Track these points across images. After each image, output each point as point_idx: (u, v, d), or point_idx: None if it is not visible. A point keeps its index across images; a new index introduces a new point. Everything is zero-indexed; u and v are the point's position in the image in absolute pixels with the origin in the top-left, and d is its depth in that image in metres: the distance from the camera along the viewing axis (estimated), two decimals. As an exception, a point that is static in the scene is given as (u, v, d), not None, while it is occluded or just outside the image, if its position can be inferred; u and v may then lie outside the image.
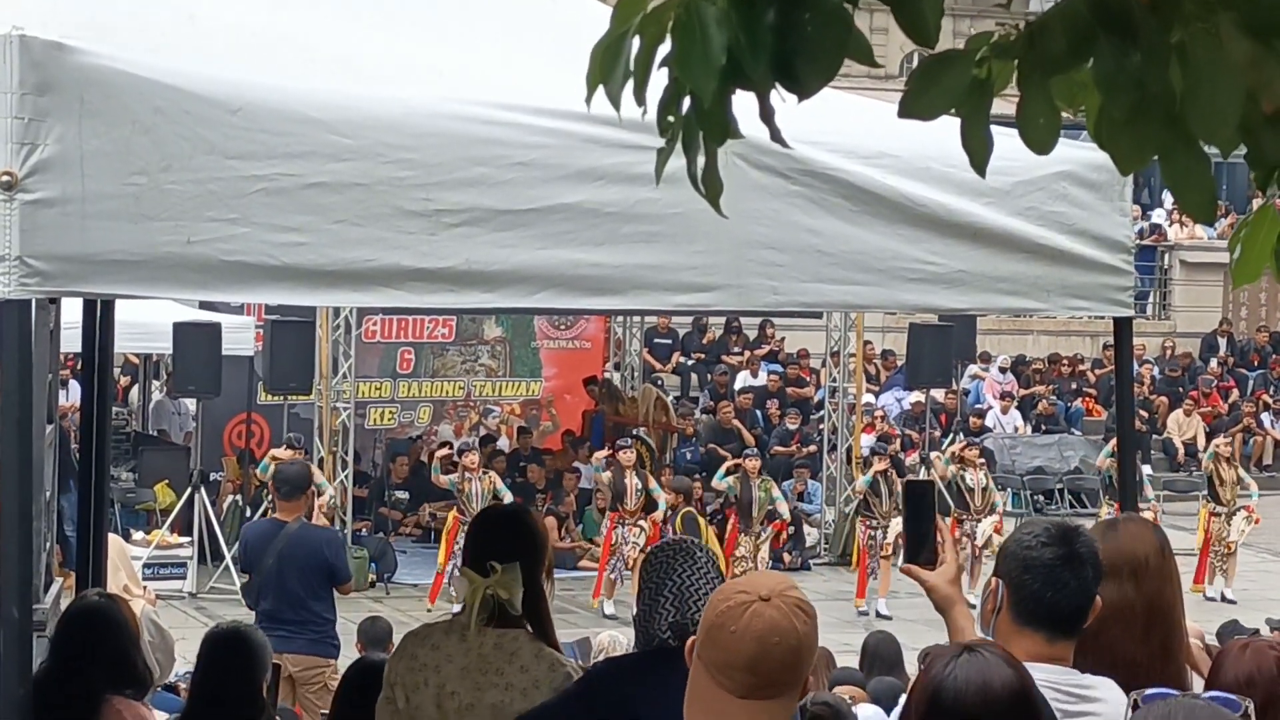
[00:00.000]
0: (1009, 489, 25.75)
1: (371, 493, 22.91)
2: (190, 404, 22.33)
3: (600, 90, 2.51)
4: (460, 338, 24.14)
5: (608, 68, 2.48)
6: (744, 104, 2.48)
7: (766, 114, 2.45)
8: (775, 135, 2.50)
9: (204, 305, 17.99)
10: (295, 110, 3.89)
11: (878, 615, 18.92)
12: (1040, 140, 2.52)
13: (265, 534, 11.37)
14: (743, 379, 27.86)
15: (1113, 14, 2.37)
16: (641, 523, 19.83)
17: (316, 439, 20.97)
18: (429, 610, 18.02)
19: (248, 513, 19.85)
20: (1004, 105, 2.51)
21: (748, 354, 28.78)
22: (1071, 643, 3.71)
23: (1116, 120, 2.45)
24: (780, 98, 2.45)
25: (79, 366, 10.54)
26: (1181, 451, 29.77)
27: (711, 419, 26.04)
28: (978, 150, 2.55)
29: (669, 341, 28.92)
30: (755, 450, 22.70)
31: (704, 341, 29.22)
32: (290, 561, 11.00)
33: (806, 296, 4.80)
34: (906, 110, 2.53)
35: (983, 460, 21.76)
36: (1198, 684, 4.14)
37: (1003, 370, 30.44)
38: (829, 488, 23.66)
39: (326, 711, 6.55)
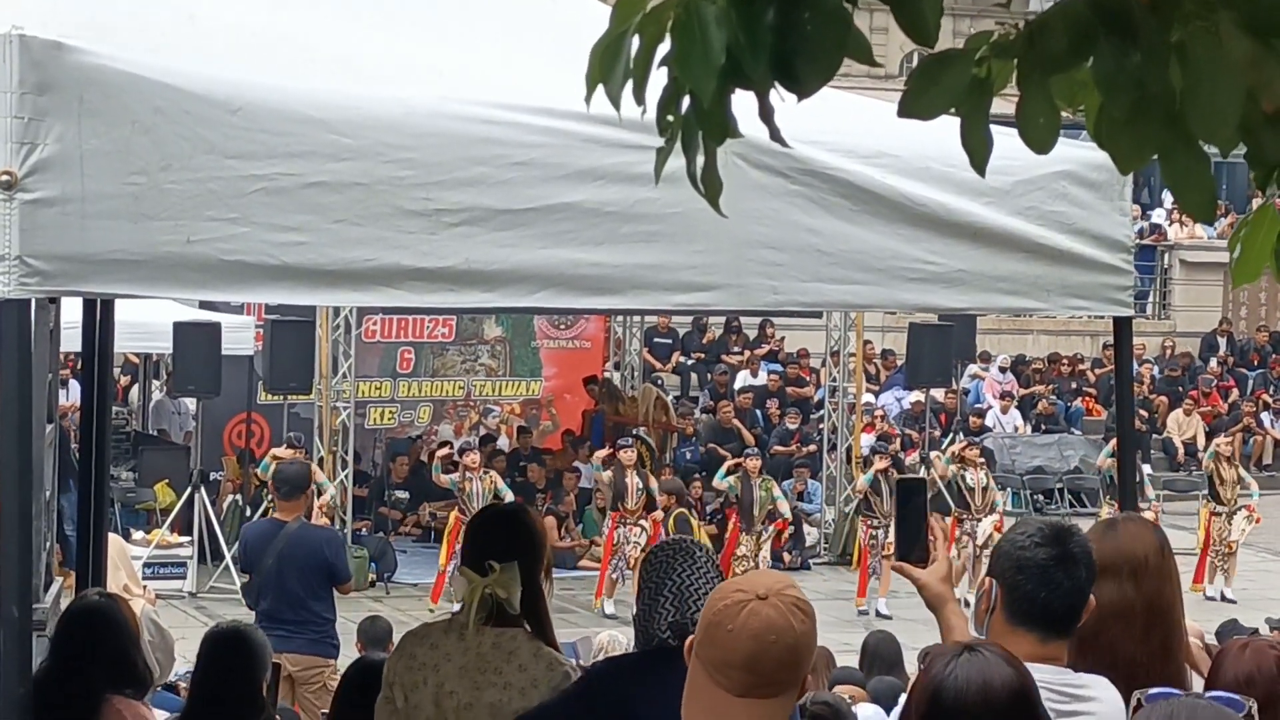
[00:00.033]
0: (1009, 488, 25.76)
1: (371, 492, 22.92)
2: (190, 403, 22.34)
3: (600, 90, 2.51)
4: (460, 337, 24.14)
5: (607, 67, 2.48)
6: (744, 103, 2.48)
7: (766, 113, 2.45)
8: (775, 134, 2.50)
9: (204, 305, 18.00)
10: (295, 110, 3.89)
11: (878, 615, 18.92)
12: (1040, 140, 2.52)
13: (265, 534, 11.37)
14: (743, 378, 27.86)
15: (1113, 13, 2.37)
16: (643, 522, 19.84)
17: (316, 438, 20.97)
18: (431, 610, 18.02)
19: (248, 512, 19.85)
20: (1004, 105, 2.51)
21: (748, 353, 28.78)
22: (1065, 642, 3.71)
23: (1116, 119, 2.45)
24: (780, 97, 2.45)
25: (79, 366, 10.54)
26: (1181, 451, 29.78)
27: (711, 418, 26.04)
28: (977, 149, 2.55)
29: (669, 341, 28.92)
30: (756, 450, 22.71)
31: (704, 341, 29.22)
32: (290, 561, 11.00)
33: (806, 296, 4.80)
34: (906, 110, 2.53)
35: (983, 460, 21.77)
36: (1197, 683, 4.14)
37: (1003, 370, 30.44)
38: (829, 487, 23.66)
39: (326, 711, 6.55)
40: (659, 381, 26.58)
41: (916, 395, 25.76)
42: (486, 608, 4.61)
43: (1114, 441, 17.76)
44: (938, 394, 25.60)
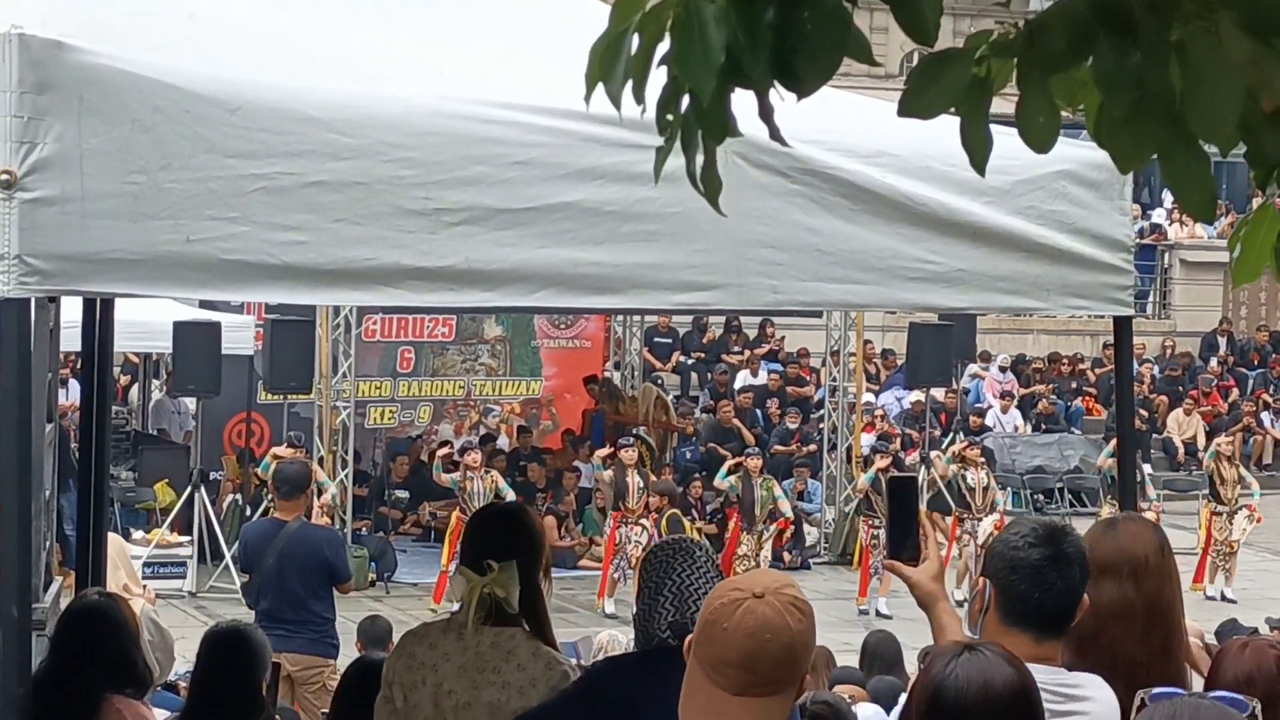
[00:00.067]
0: (1009, 488, 25.75)
1: (371, 492, 22.92)
2: (190, 403, 22.33)
3: (599, 89, 2.50)
4: (460, 337, 24.14)
5: (607, 66, 2.47)
6: (743, 102, 2.47)
7: (765, 112, 2.45)
8: (774, 134, 2.50)
9: (204, 304, 17.99)
10: (295, 109, 3.89)
11: (878, 614, 18.92)
12: (1040, 139, 2.52)
13: (265, 533, 11.37)
14: (743, 378, 27.86)
15: (1112, 12, 2.37)
16: (644, 521, 19.84)
17: (316, 438, 20.97)
18: (433, 610, 18.02)
19: (247, 512, 19.85)
20: (1004, 104, 2.51)
21: (748, 353, 28.78)
22: (1059, 642, 3.72)
23: (1116, 119, 2.45)
24: (779, 96, 2.45)
25: (79, 365, 10.54)
26: (1181, 451, 29.77)
27: (711, 418, 26.04)
28: (977, 149, 2.55)
29: (669, 340, 28.92)
30: (757, 449, 22.72)
31: (704, 341, 29.22)
32: (290, 561, 10.99)
33: (806, 295, 4.80)
34: (906, 109, 2.53)
35: (983, 460, 21.77)
36: (1197, 683, 4.14)
37: (1003, 369, 30.44)
38: (829, 487, 23.66)
39: (326, 711, 6.55)
40: (659, 381, 26.58)
41: (917, 395, 25.75)
42: (485, 607, 4.61)
43: (1115, 441, 17.76)
44: (938, 394, 25.59)
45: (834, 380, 24.01)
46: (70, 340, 6.90)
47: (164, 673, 8.16)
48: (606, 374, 25.66)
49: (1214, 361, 33.40)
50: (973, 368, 29.60)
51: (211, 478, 21.15)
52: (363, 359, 22.58)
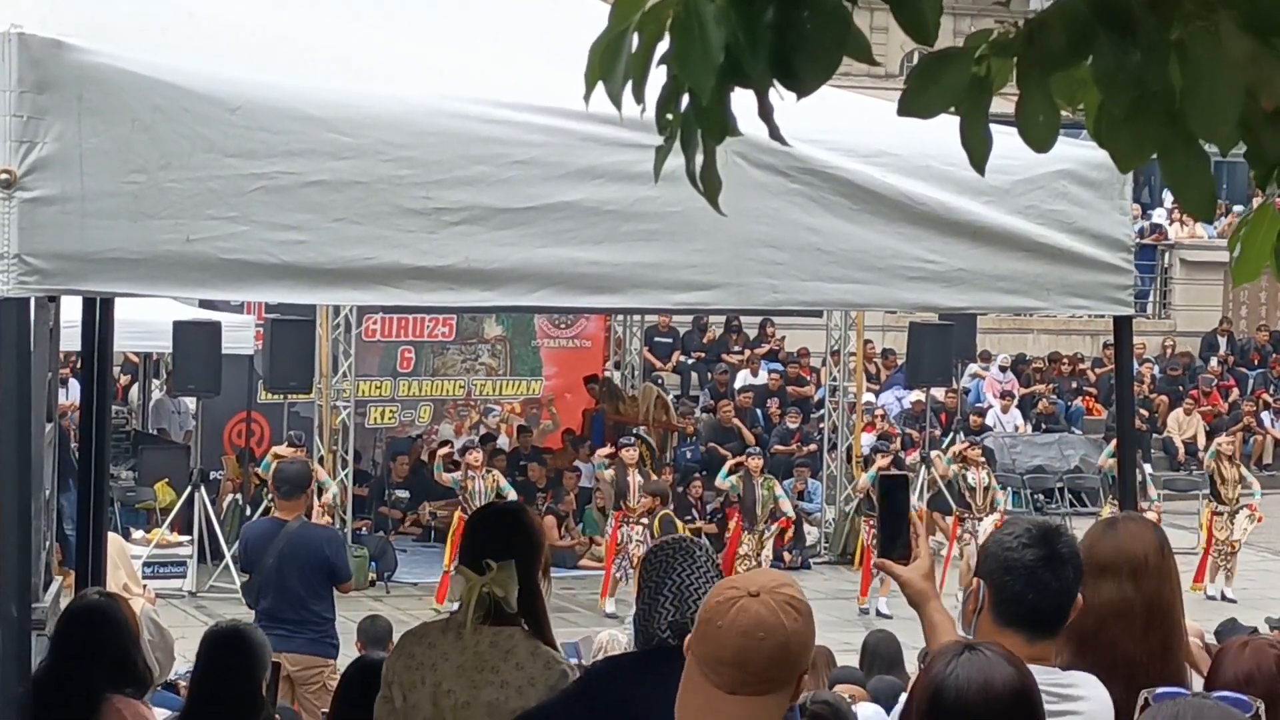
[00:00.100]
0: (1009, 488, 25.73)
1: (372, 491, 22.92)
2: (190, 403, 22.33)
3: (599, 88, 2.50)
4: (460, 336, 24.14)
5: (607, 66, 2.47)
6: (743, 102, 2.47)
7: (765, 112, 2.45)
8: (774, 133, 2.50)
9: (204, 304, 18.00)
10: (295, 108, 3.89)
11: (878, 614, 18.92)
12: (1040, 138, 2.52)
13: (266, 533, 11.37)
14: (743, 378, 27.86)
15: (1112, 11, 2.37)
16: (645, 520, 19.84)
17: (316, 438, 20.97)
18: (436, 610, 18.02)
19: (248, 512, 19.86)
20: (1003, 104, 2.51)
21: (748, 353, 28.78)
22: (1052, 642, 3.72)
23: (1116, 118, 2.45)
24: (779, 95, 2.45)
25: (79, 365, 10.54)
26: (1182, 450, 29.77)
27: (712, 418, 26.04)
28: (977, 148, 2.55)
29: (669, 340, 28.92)
30: (758, 449, 22.73)
31: (704, 340, 29.22)
32: (291, 560, 10.99)
33: (806, 295, 4.80)
34: (906, 108, 2.53)
35: (984, 459, 21.77)
36: (1197, 682, 4.14)
37: (1003, 369, 30.43)
38: (829, 486, 23.66)
39: (326, 711, 6.55)
40: (659, 381, 26.58)
41: (917, 394, 25.75)
42: (484, 606, 4.61)
43: (1115, 441, 17.75)
44: (938, 393, 25.59)
45: (834, 380, 24.02)
46: (70, 340, 6.89)
47: (164, 672, 8.16)
48: (607, 374, 25.66)
49: (1214, 361, 33.40)
50: (973, 367, 29.59)
51: (211, 477, 21.16)
52: (363, 359, 22.58)
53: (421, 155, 4.05)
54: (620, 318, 24.94)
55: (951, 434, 26.12)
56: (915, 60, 2.58)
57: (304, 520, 11.60)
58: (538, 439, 24.53)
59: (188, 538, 19.84)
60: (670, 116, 2.49)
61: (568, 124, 4.21)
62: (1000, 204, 5.06)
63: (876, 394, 28.12)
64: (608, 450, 21.16)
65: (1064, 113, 2.59)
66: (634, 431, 22.11)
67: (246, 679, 5.40)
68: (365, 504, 22.44)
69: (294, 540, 11.06)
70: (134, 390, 25.42)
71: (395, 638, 8.04)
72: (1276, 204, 2.95)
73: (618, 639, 11.73)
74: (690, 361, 28.79)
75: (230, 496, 21.21)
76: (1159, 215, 36.30)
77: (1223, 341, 34.15)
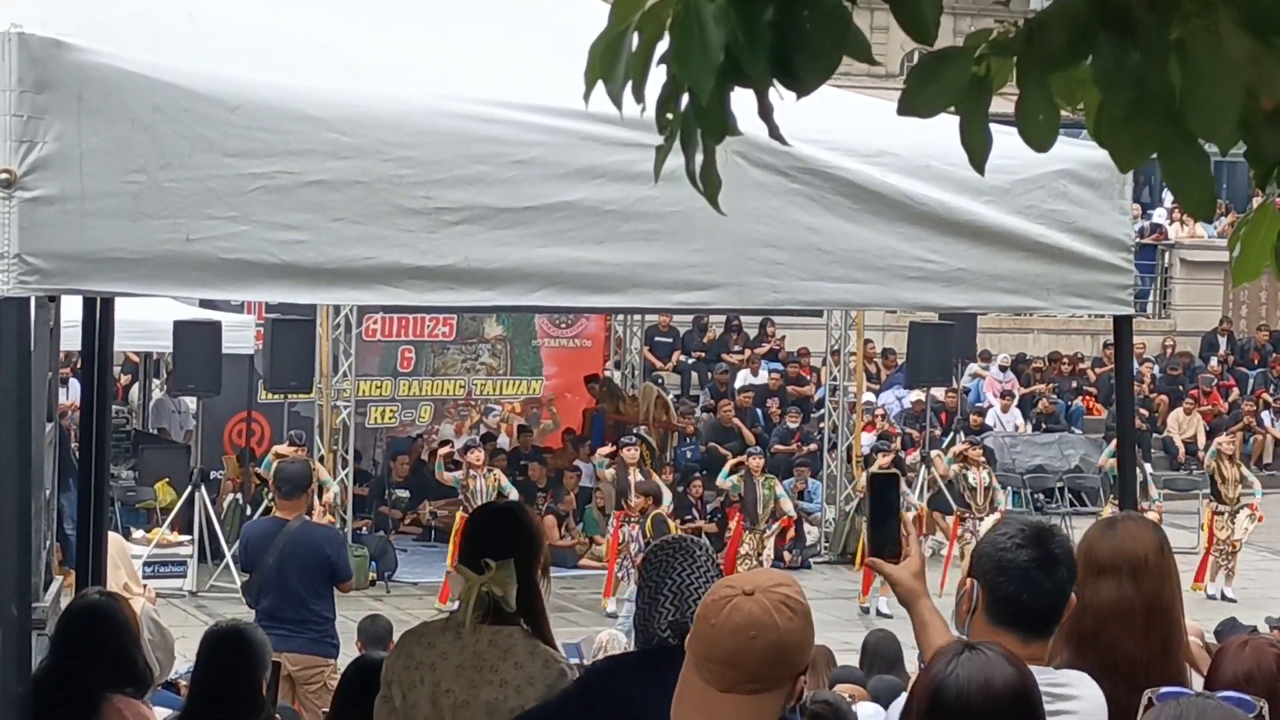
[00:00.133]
0: (1009, 487, 25.73)
1: (372, 491, 22.92)
2: (190, 402, 22.34)
3: (599, 88, 2.50)
4: (461, 336, 24.14)
5: (607, 65, 2.47)
6: (743, 101, 2.47)
7: (765, 111, 2.45)
8: (774, 132, 2.50)
9: (204, 304, 18.00)
10: (294, 108, 3.89)
11: (878, 614, 18.92)
12: (1040, 138, 2.52)
13: (266, 532, 11.37)
14: (743, 377, 27.86)
15: (1112, 11, 2.37)
16: (638, 520, 19.83)
17: (317, 437, 20.97)
18: (439, 610, 18.02)
19: (248, 511, 19.86)
20: (1003, 103, 2.51)
21: (748, 352, 28.79)
22: (1046, 642, 3.73)
23: (1116, 117, 2.45)
24: (779, 95, 2.45)
25: (79, 365, 10.54)
26: (1182, 450, 29.77)
27: (712, 417, 26.04)
28: (976, 148, 2.55)
29: (669, 340, 28.92)
30: (759, 449, 22.73)
31: (704, 340, 29.22)
32: (292, 560, 10.99)
33: (806, 295, 4.80)
34: (905, 107, 2.53)
35: (985, 459, 21.77)
36: (1197, 682, 4.14)
37: (1003, 369, 30.43)
38: (829, 486, 23.66)
39: (327, 710, 6.55)
40: (660, 380, 26.58)
41: (917, 394, 25.75)
42: (483, 606, 4.61)
43: (1116, 441, 17.75)
44: (938, 393, 25.60)
45: (834, 379, 24.02)
46: (70, 339, 6.90)
47: (164, 672, 8.16)
48: (607, 373, 25.67)
49: (1214, 361, 33.40)
50: (973, 367, 29.59)
51: (212, 477, 21.16)
52: (363, 358, 22.59)
53: (421, 155, 4.05)
54: (620, 317, 24.94)
55: (951, 434, 26.13)
56: (915, 60, 2.57)
57: (305, 520, 11.60)
58: (538, 439, 24.53)
59: (188, 537, 19.84)
60: (670, 116, 2.49)
61: (568, 124, 4.21)
62: (1000, 204, 5.06)
63: (877, 394, 28.13)
64: (608, 449, 21.16)
65: (1064, 112, 2.59)
66: (634, 431, 22.12)
67: (247, 678, 5.40)
68: (365, 504, 22.44)
69: (295, 539, 11.06)
70: (134, 390, 25.43)
71: (395, 637, 8.04)
72: (1276, 203, 2.95)
73: (618, 638, 11.74)
74: (690, 361, 28.79)
75: (230, 496, 21.22)
76: (1159, 215, 36.31)
77: (1223, 341, 34.15)
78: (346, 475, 21.05)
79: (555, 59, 4.08)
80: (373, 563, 20.40)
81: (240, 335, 20.45)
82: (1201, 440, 28.62)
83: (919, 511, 22.13)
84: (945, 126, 2.62)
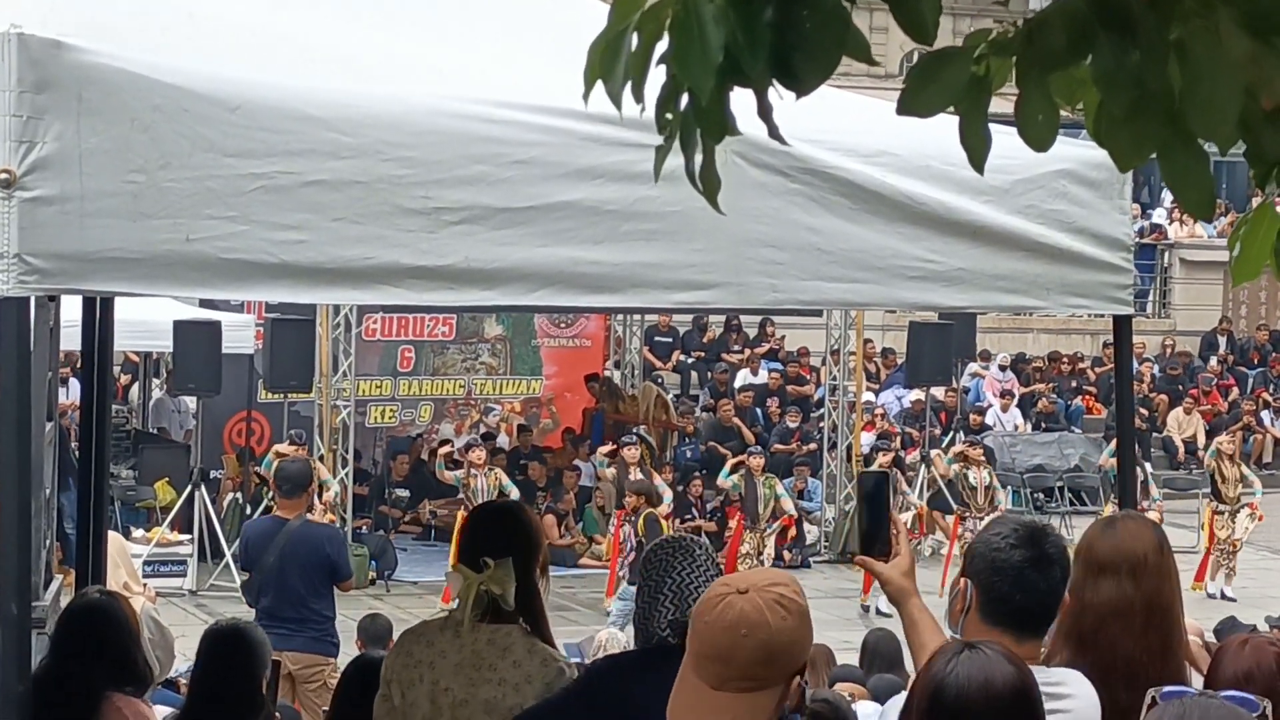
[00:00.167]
0: (1009, 487, 25.73)
1: (372, 490, 22.93)
2: (190, 402, 22.34)
3: (599, 87, 2.50)
4: (461, 336, 24.14)
5: (606, 65, 2.47)
6: (743, 101, 2.47)
7: (765, 111, 2.45)
8: (773, 132, 2.50)
9: (204, 303, 18.00)
10: (294, 108, 3.89)
11: (878, 613, 18.91)
12: (1039, 137, 2.52)
13: (267, 531, 11.37)
14: (743, 377, 27.86)
15: (1111, 11, 2.37)
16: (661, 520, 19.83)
17: (317, 437, 20.98)
18: (443, 609, 18.01)
19: (248, 510, 19.87)
20: (1003, 103, 2.51)
21: (748, 352, 28.79)
22: (1039, 641, 3.74)
23: (1115, 117, 2.45)
24: (778, 95, 2.45)
25: (79, 364, 10.54)
26: (1181, 450, 29.77)
27: (712, 417, 26.04)
28: (976, 147, 2.55)
29: (669, 339, 28.92)
30: (759, 448, 22.73)
31: (704, 340, 29.23)
32: (292, 559, 11.00)
33: (806, 294, 4.80)
34: (905, 107, 2.53)
35: (985, 459, 21.78)
36: (1197, 681, 4.14)
37: (1003, 368, 30.44)
38: (829, 485, 23.66)
39: (327, 709, 6.55)
40: (659, 380, 26.58)
41: (917, 394, 25.76)
42: (482, 604, 4.61)
43: (1116, 440, 17.74)
44: (938, 392, 25.60)
45: (834, 379, 24.02)
46: (70, 339, 6.90)
47: (164, 671, 8.15)
48: (607, 373, 25.67)
49: (1214, 360, 33.40)
50: (973, 366, 29.60)
51: (212, 476, 21.17)
52: (363, 358, 22.59)
53: (421, 155, 4.05)
54: (620, 317, 24.94)
55: (951, 433, 26.14)
56: (914, 60, 2.57)
57: (305, 519, 11.60)
58: (538, 438, 24.53)
59: (188, 536, 19.84)
60: (670, 116, 2.49)
61: (567, 124, 4.21)
62: (1000, 203, 5.06)
63: (876, 393, 28.13)
64: (609, 449, 21.15)
65: (1063, 112, 2.59)
66: (634, 431, 22.12)
67: (247, 677, 5.40)
68: (365, 503, 22.45)
69: (295, 538, 11.06)
70: (134, 389, 25.43)
71: (395, 636, 8.05)
72: (1276, 203, 2.95)
73: (617, 638, 11.75)
74: (690, 361, 28.80)
75: (230, 495, 21.22)
76: (1159, 215, 36.31)
77: (1222, 341, 34.15)
78: (346, 475, 21.05)
79: (555, 59, 4.08)
80: (373, 562, 20.40)
81: (240, 335, 20.46)
82: (1201, 440, 28.62)
83: (919, 511, 22.15)
84: (945, 126, 2.62)
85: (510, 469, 22.14)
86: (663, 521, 19.59)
